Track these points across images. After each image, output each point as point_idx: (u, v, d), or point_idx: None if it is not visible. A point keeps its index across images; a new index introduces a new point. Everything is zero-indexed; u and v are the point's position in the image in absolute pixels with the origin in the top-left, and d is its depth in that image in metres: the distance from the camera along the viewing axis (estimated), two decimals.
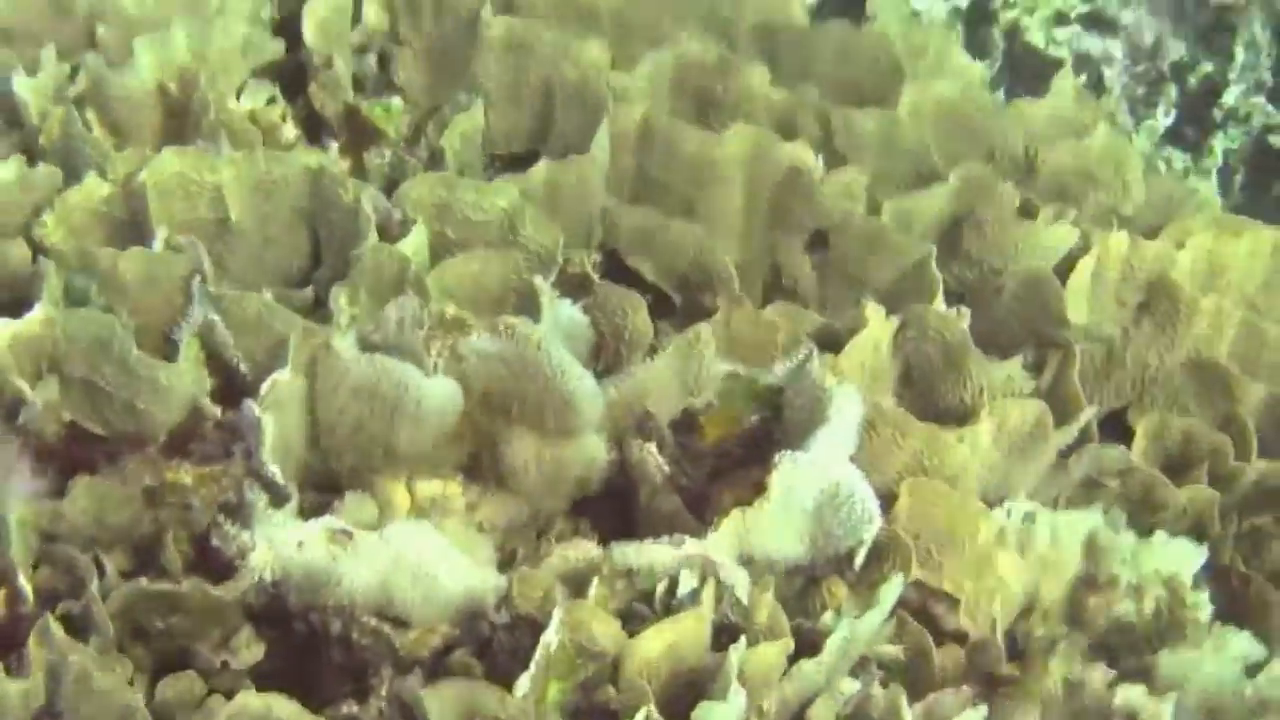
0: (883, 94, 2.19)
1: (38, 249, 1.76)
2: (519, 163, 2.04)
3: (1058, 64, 3.62)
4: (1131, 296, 2.06)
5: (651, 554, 1.60)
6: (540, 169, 1.93)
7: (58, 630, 1.49)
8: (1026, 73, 3.57)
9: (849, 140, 2.11)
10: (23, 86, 1.92)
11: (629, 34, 2.17)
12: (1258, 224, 2.17)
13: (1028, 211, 2.10)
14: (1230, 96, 3.52)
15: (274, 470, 1.55)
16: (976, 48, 3.66)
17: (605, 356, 1.81)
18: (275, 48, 2.01)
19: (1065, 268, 2.05)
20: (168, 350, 1.66)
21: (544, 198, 1.91)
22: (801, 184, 2.02)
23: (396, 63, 2.06)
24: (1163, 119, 3.54)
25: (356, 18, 2.07)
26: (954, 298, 2.01)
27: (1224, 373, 2.02)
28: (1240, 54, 3.51)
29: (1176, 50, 3.52)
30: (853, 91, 2.20)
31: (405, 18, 2.07)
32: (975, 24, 3.65)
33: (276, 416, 1.56)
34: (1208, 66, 3.56)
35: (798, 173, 2.02)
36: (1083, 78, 3.58)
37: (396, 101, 2.01)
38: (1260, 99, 3.53)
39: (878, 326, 1.87)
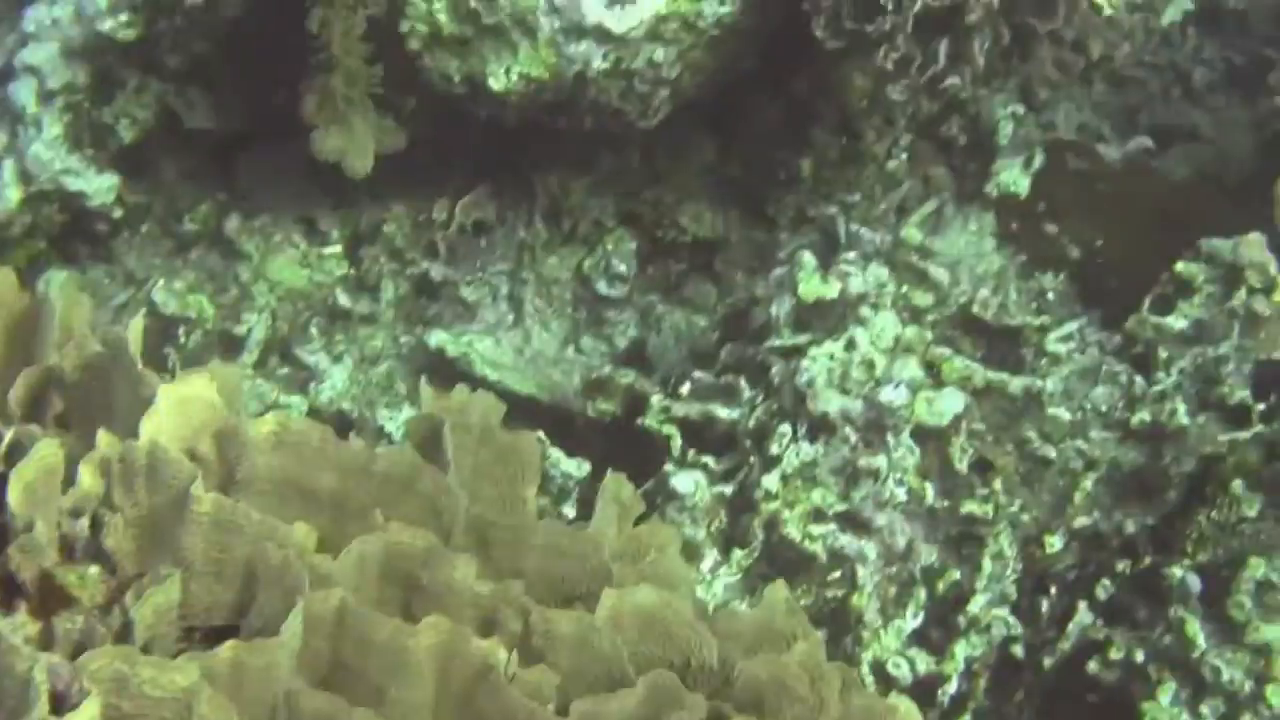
0: (589, 594, 2.26)
1: None
2: (220, 635, 2.06)
3: (811, 558, 3.73)
4: None
5: None
6: (227, 648, 1.95)
7: None
8: (782, 563, 3.67)
9: (546, 640, 2.16)
10: None
11: (346, 517, 2.23)
12: None
13: None
14: (975, 605, 3.63)
15: None
16: (738, 536, 3.77)
17: None
18: None
19: None
20: None
21: (228, 677, 1.93)
22: (490, 680, 2.06)
23: (107, 528, 2.09)
24: (910, 620, 3.63)
25: (72, 480, 2.11)
26: None
27: None
28: (987, 565, 3.63)
29: (928, 555, 3.64)
30: (559, 590, 2.27)
31: (119, 485, 2.11)
32: (739, 511, 3.75)
33: None
34: (956, 574, 3.67)
35: (488, 668, 2.06)
36: (837, 574, 3.69)
37: (94, 570, 2.04)
38: (1004, 610, 3.64)
39: None
